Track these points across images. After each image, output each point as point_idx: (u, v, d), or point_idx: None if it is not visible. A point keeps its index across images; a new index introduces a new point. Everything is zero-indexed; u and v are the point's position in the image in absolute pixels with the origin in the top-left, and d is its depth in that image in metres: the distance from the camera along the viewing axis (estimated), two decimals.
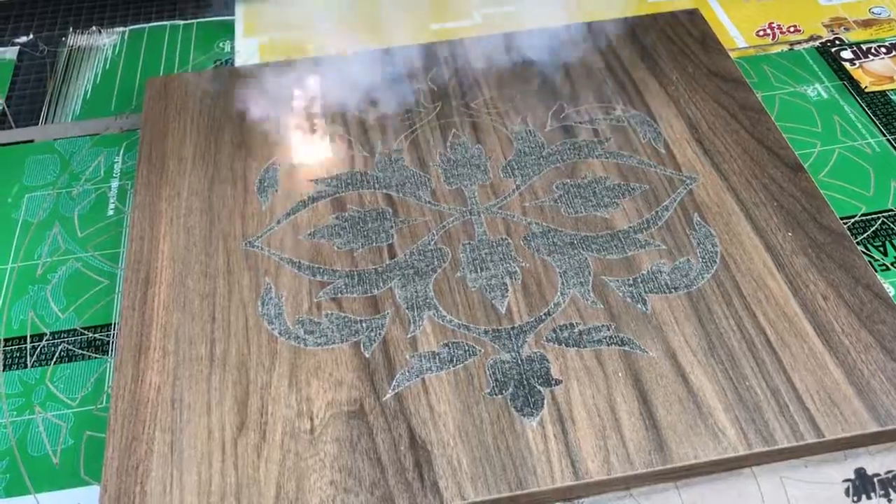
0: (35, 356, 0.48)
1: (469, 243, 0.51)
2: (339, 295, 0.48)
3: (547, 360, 0.45)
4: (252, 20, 0.72)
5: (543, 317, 0.47)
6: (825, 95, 0.62)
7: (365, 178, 0.55)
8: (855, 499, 0.41)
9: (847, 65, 0.64)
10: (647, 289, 0.48)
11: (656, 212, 0.52)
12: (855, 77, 0.63)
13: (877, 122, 0.60)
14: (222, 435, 0.43)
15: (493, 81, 0.62)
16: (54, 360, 0.48)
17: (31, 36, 0.72)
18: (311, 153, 0.57)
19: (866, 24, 0.68)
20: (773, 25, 0.69)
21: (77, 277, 0.52)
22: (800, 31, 0.68)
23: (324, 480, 0.41)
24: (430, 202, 0.54)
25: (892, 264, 0.51)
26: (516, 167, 0.55)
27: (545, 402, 0.43)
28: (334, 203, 0.54)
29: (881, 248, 0.52)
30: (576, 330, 0.46)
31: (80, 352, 0.49)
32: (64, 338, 0.49)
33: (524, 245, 0.51)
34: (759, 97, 0.59)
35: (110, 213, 0.56)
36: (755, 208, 0.52)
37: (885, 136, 0.59)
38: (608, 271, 0.49)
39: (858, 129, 0.59)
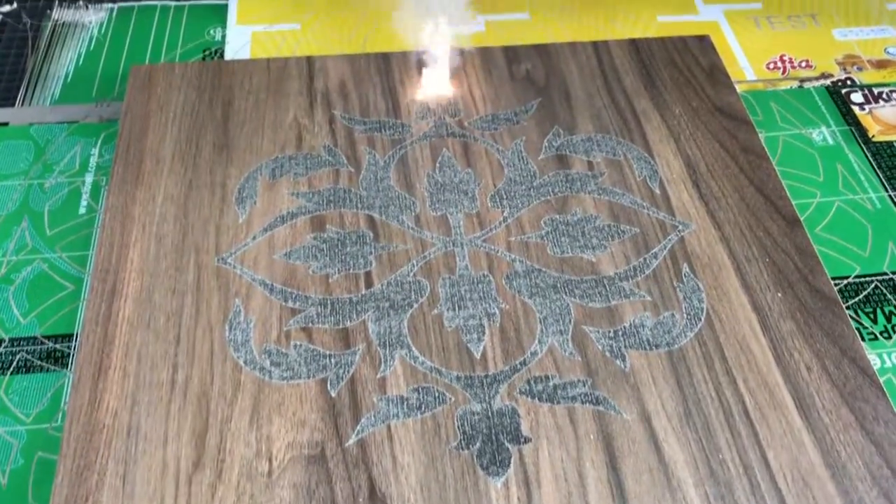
0: None
1: (449, 277, 0.49)
2: (310, 325, 0.47)
3: (518, 415, 0.43)
4: (246, 8, 0.69)
5: (519, 366, 0.45)
6: (830, 141, 0.60)
7: (348, 195, 0.53)
8: None
9: (856, 109, 0.62)
10: (627, 343, 0.46)
11: (645, 259, 0.50)
12: (863, 124, 0.61)
13: (880, 175, 0.58)
14: (177, 470, 0.41)
15: (490, 99, 0.60)
16: (11, 370, 0.47)
17: (15, 5, 0.69)
18: (294, 163, 0.55)
19: (880, 64, 0.66)
20: (784, 58, 0.66)
21: (42, 280, 0.50)
22: (811, 66, 0.66)
23: None
24: (413, 228, 0.52)
25: (880, 334, 0.50)
26: (505, 196, 0.54)
27: (512, 461, 0.42)
28: (314, 221, 0.52)
29: (871, 315, 0.50)
30: (550, 384, 0.45)
31: (39, 363, 0.47)
32: (23, 346, 0.48)
33: (505, 285, 0.49)
34: (763, 138, 0.57)
35: (82, 210, 0.54)
36: (746, 263, 0.50)
37: (887, 191, 0.57)
38: (589, 320, 0.47)
39: (861, 182, 0.57)
